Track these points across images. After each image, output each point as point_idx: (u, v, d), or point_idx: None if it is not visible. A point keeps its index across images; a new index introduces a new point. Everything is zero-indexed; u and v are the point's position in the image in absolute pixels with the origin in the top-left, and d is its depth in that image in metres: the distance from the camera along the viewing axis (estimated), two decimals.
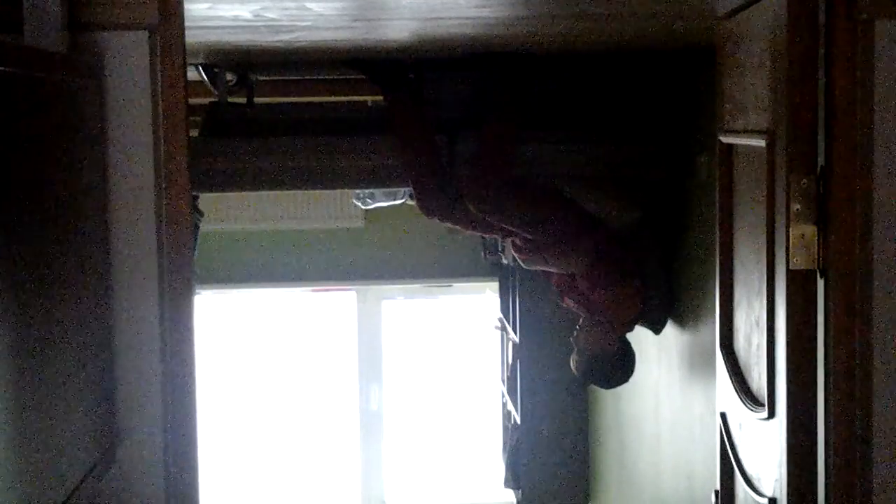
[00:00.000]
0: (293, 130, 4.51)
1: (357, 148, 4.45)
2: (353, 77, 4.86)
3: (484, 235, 5.82)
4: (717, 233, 2.88)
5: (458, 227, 4.74)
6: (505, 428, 6.67)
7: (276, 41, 3.51)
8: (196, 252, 3.53)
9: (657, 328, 4.62)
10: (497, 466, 6.53)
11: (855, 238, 2.26)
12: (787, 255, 2.32)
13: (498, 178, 4.36)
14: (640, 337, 4.72)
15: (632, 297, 4.49)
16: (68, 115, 2.14)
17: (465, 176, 4.39)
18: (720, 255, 2.87)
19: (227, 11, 2.87)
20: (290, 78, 5.07)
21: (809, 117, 2.30)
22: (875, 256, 2.25)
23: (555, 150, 4.48)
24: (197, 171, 4.12)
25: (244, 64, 4.44)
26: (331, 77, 5.06)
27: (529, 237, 4.51)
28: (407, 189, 4.93)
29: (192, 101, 2.60)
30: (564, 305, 4.68)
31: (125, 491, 2.35)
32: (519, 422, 6.04)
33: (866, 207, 2.25)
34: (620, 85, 4.70)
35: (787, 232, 2.32)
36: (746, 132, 2.65)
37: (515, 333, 6.09)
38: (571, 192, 4.49)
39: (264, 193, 6.53)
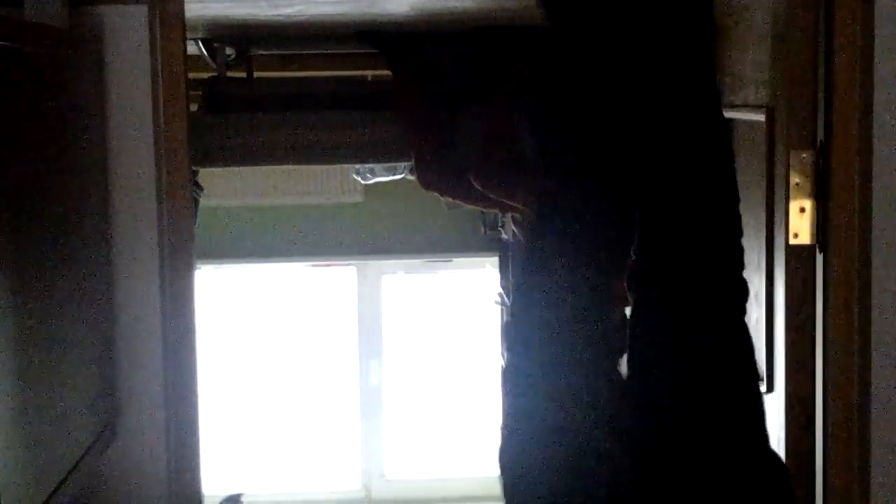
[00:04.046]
0: (293, 105, 4.51)
1: (357, 123, 4.44)
2: (353, 52, 4.85)
3: (484, 210, 5.81)
4: None
5: (458, 202, 4.74)
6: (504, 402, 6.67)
7: (276, 15, 3.50)
8: (196, 227, 3.53)
9: None
10: (496, 440, 6.53)
11: (854, 213, 2.26)
12: (787, 229, 2.32)
13: (503, 154, 4.35)
14: None
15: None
16: (68, 90, 2.14)
17: (470, 153, 4.39)
18: None
19: None
20: (290, 52, 5.06)
21: (809, 92, 2.30)
22: (874, 231, 2.25)
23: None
24: (196, 146, 4.11)
25: (244, 38, 4.43)
26: (331, 52, 5.05)
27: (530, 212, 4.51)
28: (407, 164, 4.92)
29: (192, 75, 2.60)
30: None
31: (127, 465, 2.36)
32: None
33: (866, 182, 2.25)
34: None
35: (787, 206, 2.32)
36: (746, 106, 2.65)
37: None
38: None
39: (264, 168, 6.52)
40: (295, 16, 3.49)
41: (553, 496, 1.96)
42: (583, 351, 2.01)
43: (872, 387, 2.27)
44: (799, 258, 2.34)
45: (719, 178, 2.02)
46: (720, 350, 1.94)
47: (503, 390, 2.20)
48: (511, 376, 2.09)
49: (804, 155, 2.30)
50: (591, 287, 2.03)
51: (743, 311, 1.96)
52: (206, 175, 4.85)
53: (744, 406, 1.96)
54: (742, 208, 2.72)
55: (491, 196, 4.45)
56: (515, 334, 2.09)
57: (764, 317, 2.48)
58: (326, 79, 4.95)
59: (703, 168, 2.00)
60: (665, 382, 1.93)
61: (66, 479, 2.00)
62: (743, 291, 1.97)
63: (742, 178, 2.73)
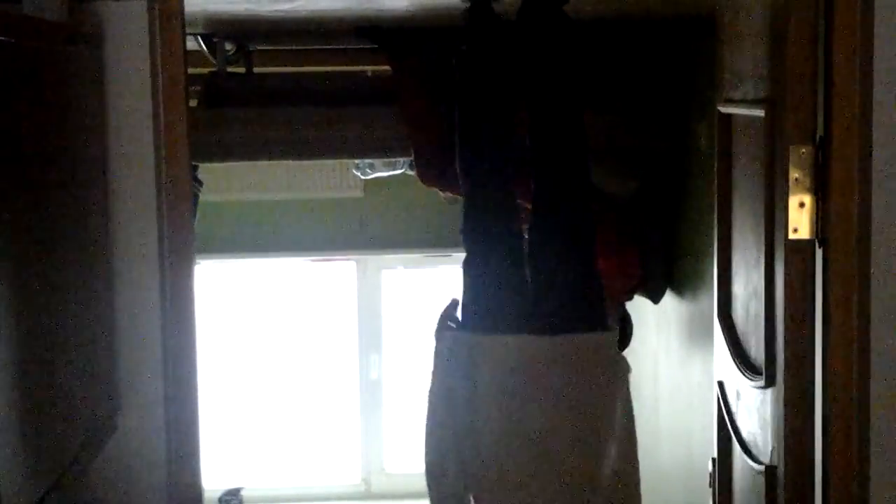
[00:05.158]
0: (292, 100, 4.51)
1: (357, 118, 4.44)
2: (352, 47, 4.85)
3: None
4: (716, 202, 2.89)
5: (457, 197, 4.73)
6: None
7: (275, 10, 3.50)
8: (196, 222, 3.54)
9: (656, 297, 4.62)
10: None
11: (853, 207, 2.26)
12: (786, 224, 2.33)
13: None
14: (638, 306, 4.73)
15: (631, 266, 4.49)
16: (68, 85, 2.14)
17: None
18: (719, 225, 2.88)
19: None
20: (290, 48, 5.06)
21: (808, 87, 2.31)
22: (873, 226, 2.25)
23: None
24: (196, 142, 4.11)
25: (243, 33, 4.43)
26: (330, 47, 5.05)
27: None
28: (406, 159, 4.93)
29: (192, 70, 2.60)
30: None
31: (127, 458, 2.36)
32: None
33: (865, 177, 2.25)
34: (618, 54, 4.69)
35: (786, 201, 2.32)
36: (746, 102, 2.65)
37: None
38: None
39: (264, 163, 6.53)
40: (295, 11, 3.49)
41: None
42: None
43: (871, 381, 2.27)
44: (798, 253, 2.34)
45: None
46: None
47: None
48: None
49: (803, 150, 2.30)
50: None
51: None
52: (206, 170, 4.85)
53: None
54: (742, 203, 2.72)
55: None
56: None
57: (763, 311, 2.48)
58: (326, 74, 4.95)
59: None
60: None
61: (65, 473, 2.00)
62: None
63: (742, 173, 2.74)
